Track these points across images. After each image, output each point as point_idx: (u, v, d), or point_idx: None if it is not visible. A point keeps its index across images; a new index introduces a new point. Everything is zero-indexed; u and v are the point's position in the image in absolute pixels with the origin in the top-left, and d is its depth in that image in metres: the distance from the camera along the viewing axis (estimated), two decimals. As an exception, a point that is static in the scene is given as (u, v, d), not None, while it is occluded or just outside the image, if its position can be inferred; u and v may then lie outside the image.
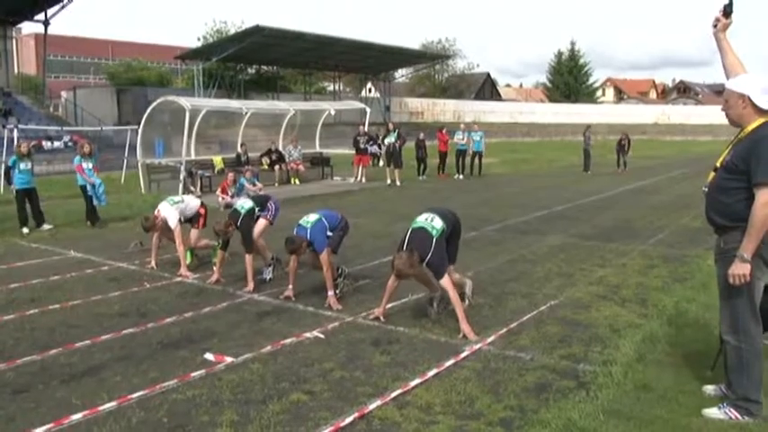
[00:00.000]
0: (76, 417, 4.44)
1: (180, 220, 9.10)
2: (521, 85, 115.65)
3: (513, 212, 14.16)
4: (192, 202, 9.57)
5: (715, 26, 4.33)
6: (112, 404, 4.63)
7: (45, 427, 4.29)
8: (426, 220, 6.44)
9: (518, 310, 6.88)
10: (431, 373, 5.13)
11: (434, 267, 6.21)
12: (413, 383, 4.92)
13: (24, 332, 6.38)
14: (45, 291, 8.02)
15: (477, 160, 23.98)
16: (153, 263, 9.17)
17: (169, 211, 9.04)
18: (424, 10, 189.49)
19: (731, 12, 4.26)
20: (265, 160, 21.32)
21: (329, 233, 7.40)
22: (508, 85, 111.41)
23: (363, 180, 21.56)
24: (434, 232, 6.28)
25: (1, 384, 5.07)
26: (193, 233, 9.37)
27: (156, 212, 9.14)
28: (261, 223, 8.45)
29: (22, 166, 12.55)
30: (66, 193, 17.28)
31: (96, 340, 6.07)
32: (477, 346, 5.72)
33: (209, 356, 5.58)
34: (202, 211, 9.50)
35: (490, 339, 5.93)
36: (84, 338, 6.10)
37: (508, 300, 7.27)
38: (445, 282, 6.15)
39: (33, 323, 6.67)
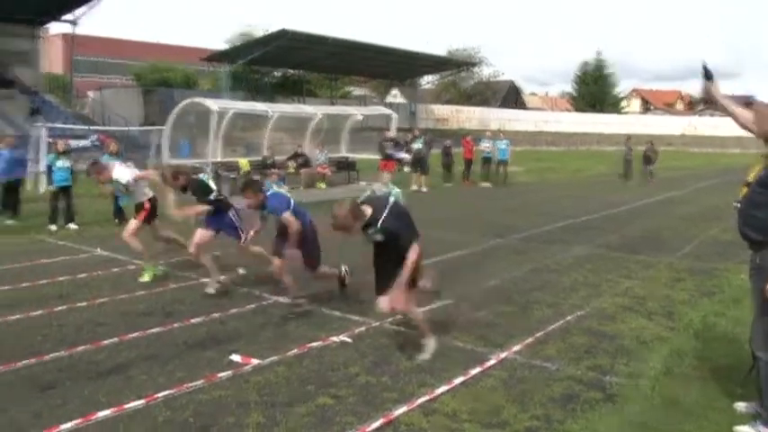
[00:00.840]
0: (103, 413, 4.48)
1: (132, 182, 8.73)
2: (546, 94, 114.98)
3: (539, 221, 14.06)
4: (147, 189, 9.04)
5: (707, 95, 4.38)
6: (139, 402, 4.67)
7: (72, 423, 4.34)
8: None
9: (544, 319, 6.84)
10: (457, 380, 5.11)
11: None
12: (439, 390, 4.91)
13: (52, 328, 6.46)
14: (72, 288, 8.11)
15: (502, 168, 23.92)
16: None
17: (122, 169, 8.79)
18: (449, 17, 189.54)
19: (711, 75, 4.51)
20: (291, 164, 21.40)
21: (291, 207, 7.07)
22: (533, 94, 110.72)
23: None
24: (394, 193, 6.06)
25: (28, 380, 5.13)
26: (132, 222, 8.90)
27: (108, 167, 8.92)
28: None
29: (59, 163, 12.88)
30: (93, 192, 17.41)
31: (123, 338, 6.12)
32: (503, 355, 5.70)
33: (235, 357, 5.60)
34: (147, 205, 8.92)
35: (516, 348, 5.89)
36: (111, 336, 6.16)
37: (533, 309, 7.22)
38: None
39: (61, 320, 6.75)
